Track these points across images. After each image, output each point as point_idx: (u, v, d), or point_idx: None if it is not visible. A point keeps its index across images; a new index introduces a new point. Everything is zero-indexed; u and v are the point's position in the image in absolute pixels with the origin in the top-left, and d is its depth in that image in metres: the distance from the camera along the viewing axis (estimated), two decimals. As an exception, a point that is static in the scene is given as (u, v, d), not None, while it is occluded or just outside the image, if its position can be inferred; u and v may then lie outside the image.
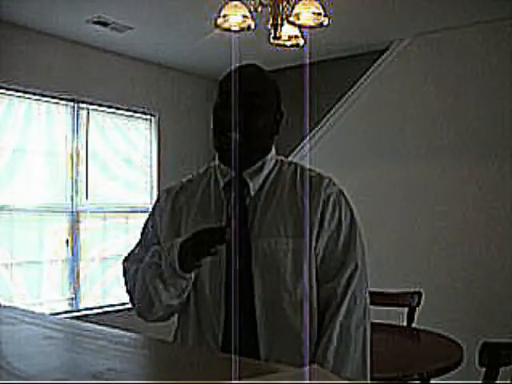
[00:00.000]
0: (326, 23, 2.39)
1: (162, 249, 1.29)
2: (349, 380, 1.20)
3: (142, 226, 1.45)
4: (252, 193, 1.32)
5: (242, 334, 1.23)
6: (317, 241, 1.28)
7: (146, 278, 1.29)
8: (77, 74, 4.14)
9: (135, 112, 4.65)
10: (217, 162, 1.40)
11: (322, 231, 1.28)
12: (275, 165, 1.37)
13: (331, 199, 1.31)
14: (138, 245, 1.44)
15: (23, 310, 1.32)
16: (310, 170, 1.38)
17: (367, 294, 1.30)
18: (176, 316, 1.38)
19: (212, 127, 1.35)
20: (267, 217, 1.28)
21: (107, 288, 4.36)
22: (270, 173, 1.35)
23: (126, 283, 1.40)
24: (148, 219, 1.44)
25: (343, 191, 1.36)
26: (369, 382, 1.25)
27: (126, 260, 1.43)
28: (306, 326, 1.25)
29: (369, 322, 1.30)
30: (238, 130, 1.27)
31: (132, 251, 1.43)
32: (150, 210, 1.46)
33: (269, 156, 1.36)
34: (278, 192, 1.32)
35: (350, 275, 1.27)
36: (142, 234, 1.45)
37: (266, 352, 1.23)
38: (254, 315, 1.24)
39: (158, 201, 1.43)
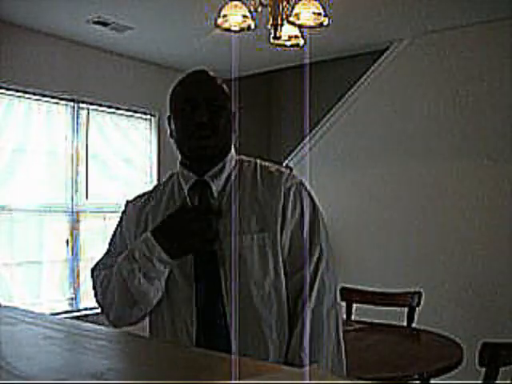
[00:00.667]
0: (325, 23, 2.39)
1: (136, 245, 1.29)
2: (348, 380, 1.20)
3: (110, 236, 1.48)
4: (215, 194, 1.34)
5: (215, 331, 1.27)
6: (281, 233, 1.31)
7: (123, 276, 1.28)
8: (77, 74, 4.14)
9: (135, 112, 4.66)
10: (178, 169, 1.42)
11: (285, 223, 1.31)
12: (235, 164, 1.40)
13: (291, 191, 1.34)
14: (105, 254, 1.46)
15: (23, 310, 1.32)
16: (270, 166, 1.41)
17: (335, 278, 1.33)
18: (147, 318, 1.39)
19: (176, 134, 1.37)
20: (231, 216, 1.31)
21: (107, 288, 4.35)
22: (230, 173, 1.38)
23: (95, 293, 1.43)
24: (116, 229, 1.47)
25: (303, 182, 1.39)
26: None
27: (93, 270, 1.44)
28: (276, 321, 1.28)
29: (339, 305, 1.34)
30: (203, 132, 1.30)
31: (100, 261, 1.45)
32: (119, 219, 1.49)
33: (228, 156, 1.39)
34: (240, 191, 1.35)
35: (317, 262, 1.30)
36: (109, 244, 1.47)
37: (236, 346, 1.25)
38: (225, 311, 1.27)
39: (124, 211, 1.46)
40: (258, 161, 1.44)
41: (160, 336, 1.34)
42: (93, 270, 1.45)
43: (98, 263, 1.45)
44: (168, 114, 1.42)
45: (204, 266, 1.30)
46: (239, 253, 1.28)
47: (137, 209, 1.43)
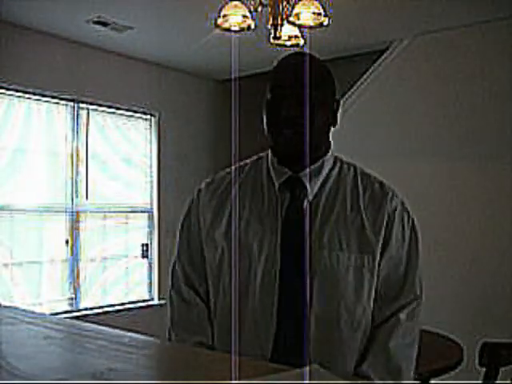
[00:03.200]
0: (326, 23, 2.39)
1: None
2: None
3: (181, 223, 1.34)
4: (310, 197, 1.21)
5: (292, 347, 1.15)
6: (381, 259, 1.19)
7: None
8: (77, 74, 4.14)
9: (135, 112, 4.65)
10: (269, 157, 1.28)
11: (387, 248, 1.20)
12: (334, 165, 1.26)
13: (396, 214, 1.23)
14: (180, 247, 1.33)
15: (23, 310, 1.32)
16: (371, 175, 1.29)
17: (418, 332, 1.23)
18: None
19: (266, 124, 1.22)
20: (328, 226, 1.18)
21: (107, 288, 4.36)
22: (329, 174, 1.24)
23: (170, 303, 1.33)
24: (186, 218, 1.33)
25: (404, 202, 1.29)
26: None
27: (175, 266, 1.33)
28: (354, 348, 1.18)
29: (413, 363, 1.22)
30: (297, 128, 1.16)
31: (179, 256, 1.33)
32: (187, 211, 1.35)
33: (328, 155, 1.25)
34: (338, 198, 1.21)
35: (413, 310, 1.20)
36: (181, 234, 1.34)
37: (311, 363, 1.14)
38: (305, 329, 1.14)
39: (197, 196, 1.32)
40: (358, 166, 1.31)
41: (224, 343, 1.21)
42: (173, 269, 1.33)
43: (178, 258, 1.33)
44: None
45: (291, 278, 1.17)
46: (333, 271, 1.15)
47: (216, 196, 1.27)
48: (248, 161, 1.34)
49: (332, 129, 1.26)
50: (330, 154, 1.26)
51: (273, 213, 1.21)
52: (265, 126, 1.23)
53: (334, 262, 1.16)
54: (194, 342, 1.23)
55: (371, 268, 1.18)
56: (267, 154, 1.30)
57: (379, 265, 1.19)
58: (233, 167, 1.34)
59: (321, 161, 1.24)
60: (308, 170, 1.22)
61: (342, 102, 4.35)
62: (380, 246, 1.19)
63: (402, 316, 1.19)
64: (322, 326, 1.15)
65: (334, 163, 1.27)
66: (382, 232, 1.19)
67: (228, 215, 1.24)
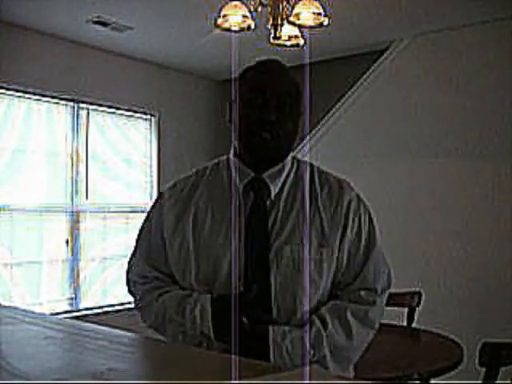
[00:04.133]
0: (326, 23, 2.39)
1: (190, 304, 1.23)
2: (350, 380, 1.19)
3: (140, 227, 1.39)
4: (273, 195, 1.28)
5: (258, 338, 1.20)
6: (339, 249, 1.26)
7: (164, 325, 1.27)
8: (77, 74, 4.14)
9: (135, 112, 4.65)
10: (232, 158, 1.33)
11: (345, 240, 1.26)
12: (292, 165, 1.33)
13: (352, 206, 1.29)
14: (136, 251, 1.39)
15: (23, 310, 1.32)
16: (326, 172, 1.36)
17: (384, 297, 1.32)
18: None
19: (238, 126, 1.28)
20: (289, 223, 1.25)
21: (107, 288, 4.36)
22: (288, 175, 1.31)
23: (134, 297, 1.38)
24: (147, 221, 1.38)
25: (360, 196, 1.34)
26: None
27: (129, 271, 1.39)
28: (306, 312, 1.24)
29: (374, 330, 1.31)
30: (274, 132, 1.23)
31: (133, 259, 1.39)
32: (147, 216, 1.39)
33: (289, 157, 1.32)
34: (298, 196, 1.28)
35: (367, 297, 1.28)
36: (139, 237, 1.39)
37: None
38: (271, 315, 1.22)
39: (158, 202, 1.36)
40: (314, 164, 1.37)
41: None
42: (128, 271, 1.40)
43: (130, 262, 1.39)
44: (233, 96, 1.32)
45: (255, 273, 1.23)
46: (294, 264, 1.22)
47: (179, 199, 1.32)
48: (207, 164, 1.40)
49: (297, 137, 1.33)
50: (289, 156, 1.33)
51: (236, 213, 1.27)
52: (234, 123, 1.29)
53: (295, 256, 1.22)
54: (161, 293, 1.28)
55: (329, 260, 1.25)
56: (227, 159, 1.36)
57: (338, 257, 1.26)
58: (193, 170, 1.39)
59: (281, 163, 1.30)
60: (270, 171, 1.28)
61: (342, 101, 4.35)
62: (338, 239, 1.26)
63: (361, 300, 1.27)
64: (283, 316, 1.22)
65: (292, 163, 1.34)
66: (340, 226, 1.26)
67: (192, 217, 1.29)
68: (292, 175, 1.32)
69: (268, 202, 1.27)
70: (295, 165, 1.34)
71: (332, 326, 1.22)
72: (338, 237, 1.26)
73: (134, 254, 1.40)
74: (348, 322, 1.23)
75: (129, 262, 1.40)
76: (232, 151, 1.35)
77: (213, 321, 1.19)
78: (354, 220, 1.28)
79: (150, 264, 1.34)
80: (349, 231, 1.27)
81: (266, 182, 1.28)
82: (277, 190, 1.28)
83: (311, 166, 1.36)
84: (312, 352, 1.19)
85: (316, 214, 1.26)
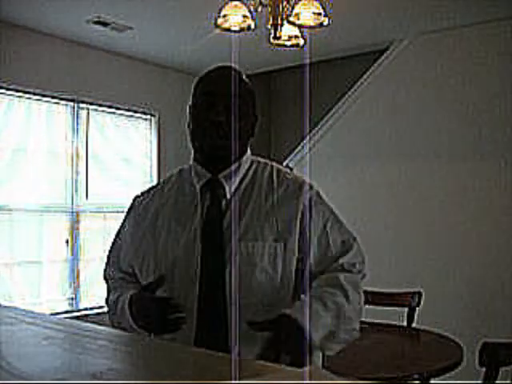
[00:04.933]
0: (326, 23, 2.39)
1: (121, 306, 1.34)
2: None
3: (116, 234, 1.51)
4: (228, 195, 1.32)
5: (214, 329, 1.26)
6: (300, 244, 1.29)
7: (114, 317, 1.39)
8: (77, 74, 4.14)
9: (135, 112, 4.65)
10: (191, 163, 1.40)
11: (306, 235, 1.30)
12: (250, 166, 1.38)
13: (312, 203, 1.33)
14: (110, 252, 1.50)
15: (23, 310, 1.32)
16: (286, 172, 1.40)
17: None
18: None
19: (190, 128, 1.37)
20: (243, 220, 1.29)
21: (107, 288, 4.35)
22: (245, 175, 1.36)
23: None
24: (121, 226, 1.50)
25: (319, 193, 1.38)
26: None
27: (105, 270, 1.52)
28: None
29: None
30: (222, 132, 1.28)
31: (108, 259, 1.51)
32: (123, 218, 1.52)
33: (244, 157, 1.37)
34: (254, 195, 1.33)
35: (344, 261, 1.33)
36: (114, 242, 1.50)
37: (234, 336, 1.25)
38: (226, 317, 1.25)
39: (131, 207, 1.49)
40: (274, 164, 1.41)
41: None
42: (104, 270, 1.52)
43: (107, 263, 1.51)
44: (189, 104, 1.39)
45: (212, 270, 1.28)
46: (248, 260, 1.26)
47: (144, 204, 1.43)
48: (173, 172, 1.48)
49: (251, 139, 1.39)
50: (246, 156, 1.38)
51: (194, 212, 1.33)
52: (190, 131, 1.37)
53: (250, 251, 1.26)
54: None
55: (283, 255, 1.28)
56: (190, 165, 1.42)
57: (303, 250, 1.30)
58: (161, 180, 1.49)
59: (237, 162, 1.35)
60: (226, 171, 1.33)
61: (342, 101, 4.35)
62: (296, 234, 1.29)
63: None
64: (240, 311, 1.25)
65: (251, 164, 1.39)
66: (297, 221, 1.30)
67: (152, 220, 1.38)
68: (249, 175, 1.36)
69: (224, 202, 1.32)
70: (254, 165, 1.39)
71: (331, 290, 1.25)
72: (294, 232, 1.29)
73: (108, 256, 1.52)
74: (344, 286, 1.26)
75: (107, 260, 1.52)
76: (192, 157, 1.41)
77: (131, 313, 1.28)
78: (315, 218, 1.32)
79: (116, 266, 1.47)
80: (310, 228, 1.31)
81: (221, 182, 1.33)
82: (232, 189, 1.33)
83: (271, 166, 1.40)
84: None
85: (271, 210, 1.30)
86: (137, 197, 1.48)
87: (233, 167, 1.34)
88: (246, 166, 1.37)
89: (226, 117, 1.27)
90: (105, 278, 1.52)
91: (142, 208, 1.42)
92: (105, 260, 1.55)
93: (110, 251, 1.50)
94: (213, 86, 1.32)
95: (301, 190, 1.34)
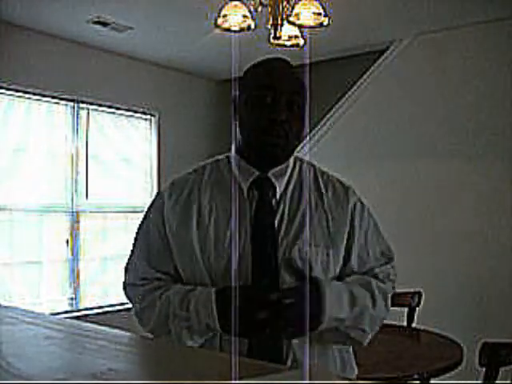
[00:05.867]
0: (325, 23, 2.39)
1: (194, 296, 1.19)
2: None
3: (137, 229, 1.36)
4: (277, 195, 1.27)
5: (266, 343, 1.20)
6: (348, 251, 1.28)
7: (166, 313, 1.22)
8: (77, 74, 4.14)
9: (135, 112, 4.65)
10: (233, 156, 1.31)
11: (353, 242, 1.28)
12: (294, 164, 1.33)
13: (357, 209, 1.31)
14: (133, 253, 1.35)
15: (23, 310, 1.32)
16: (329, 174, 1.36)
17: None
18: None
19: (245, 124, 1.26)
20: (295, 223, 1.24)
21: (107, 288, 4.36)
22: (291, 174, 1.30)
23: (130, 300, 1.34)
24: (144, 222, 1.34)
25: (361, 199, 1.36)
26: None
27: (126, 271, 1.35)
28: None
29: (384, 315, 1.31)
30: (280, 131, 1.21)
31: (130, 261, 1.35)
32: (145, 215, 1.35)
33: (292, 157, 1.32)
34: (302, 196, 1.28)
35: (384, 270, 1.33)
36: (136, 240, 1.35)
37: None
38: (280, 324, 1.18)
39: (158, 200, 1.32)
40: (316, 164, 1.37)
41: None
42: (125, 271, 1.35)
43: (129, 263, 1.35)
44: (237, 92, 1.30)
45: (262, 275, 1.20)
46: (303, 263, 1.21)
47: (180, 197, 1.28)
48: (205, 163, 1.37)
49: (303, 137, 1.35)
50: (293, 156, 1.33)
51: (242, 212, 1.24)
52: (241, 119, 1.27)
53: (304, 257, 1.21)
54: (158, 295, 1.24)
55: (335, 260, 1.25)
56: (227, 156, 1.34)
57: (347, 256, 1.28)
58: (191, 169, 1.36)
59: (286, 162, 1.29)
60: (275, 170, 1.27)
61: (342, 101, 4.35)
62: (345, 239, 1.27)
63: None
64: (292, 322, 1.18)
65: (295, 163, 1.34)
66: (347, 227, 1.28)
67: (196, 215, 1.25)
68: (295, 174, 1.31)
69: (274, 201, 1.26)
70: (298, 164, 1.34)
71: (362, 289, 1.25)
72: (343, 239, 1.27)
73: (131, 257, 1.35)
74: (374, 292, 1.26)
75: (126, 265, 1.36)
76: (233, 148, 1.32)
77: (218, 312, 1.15)
78: (360, 225, 1.30)
79: (150, 265, 1.30)
80: (355, 235, 1.29)
81: (272, 181, 1.27)
82: (282, 188, 1.27)
83: (313, 166, 1.36)
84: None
85: (322, 214, 1.26)
86: (169, 188, 1.32)
87: (282, 166, 1.28)
88: (291, 164, 1.31)
89: (287, 115, 1.21)
90: (132, 279, 1.34)
91: (180, 203, 1.28)
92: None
93: (136, 250, 1.34)
94: (273, 80, 1.23)
95: (347, 194, 1.31)
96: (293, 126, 1.23)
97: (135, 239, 1.36)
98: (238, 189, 1.27)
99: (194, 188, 1.29)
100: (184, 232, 1.25)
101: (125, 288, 1.36)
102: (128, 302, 1.36)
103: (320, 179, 1.32)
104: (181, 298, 1.21)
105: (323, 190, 1.30)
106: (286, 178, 1.29)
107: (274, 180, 1.27)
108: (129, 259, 1.36)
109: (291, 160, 1.32)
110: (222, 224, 1.24)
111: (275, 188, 1.27)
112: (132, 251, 1.36)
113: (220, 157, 1.37)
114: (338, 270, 1.27)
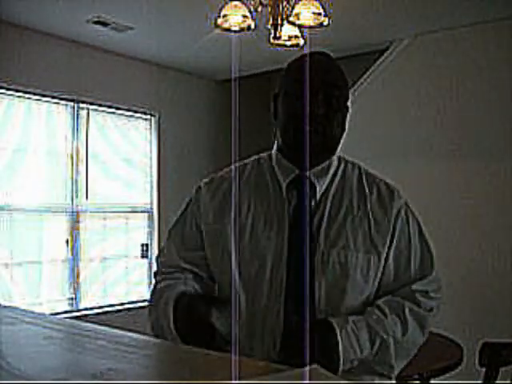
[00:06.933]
0: (325, 23, 2.39)
1: (164, 301, 1.20)
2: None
3: (174, 222, 1.33)
4: (318, 195, 1.22)
5: (298, 348, 1.14)
6: (387, 258, 1.21)
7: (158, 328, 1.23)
8: (77, 74, 4.14)
9: (135, 112, 4.65)
10: (274, 154, 1.28)
11: (393, 248, 1.22)
12: (338, 164, 1.27)
13: (401, 214, 1.25)
14: (167, 242, 1.33)
15: (23, 310, 1.32)
16: (375, 175, 1.30)
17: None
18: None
19: (282, 119, 1.23)
20: (335, 226, 1.19)
21: (107, 288, 4.36)
22: (334, 174, 1.25)
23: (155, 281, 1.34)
24: (182, 215, 1.32)
25: (408, 202, 1.30)
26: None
27: (157, 261, 1.35)
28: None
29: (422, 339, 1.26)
30: (320, 126, 1.17)
31: (162, 251, 1.34)
32: (184, 208, 1.33)
33: (335, 155, 1.26)
34: (345, 198, 1.22)
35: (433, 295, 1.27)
36: (171, 231, 1.33)
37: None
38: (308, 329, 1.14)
39: (196, 195, 1.30)
40: (362, 165, 1.31)
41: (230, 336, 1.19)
42: (157, 260, 1.35)
43: (159, 254, 1.35)
44: (276, 91, 1.27)
45: (298, 276, 1.16)
46: (340, 270, 1.16)
47: (219, 194, 1.26)
48: (247, 161, 1.34)
49: (343, 134, 1.27)
50: (335, 155, 1.28)
51: (280, 211, 1.21)
52: (278, 117, 1.24)
53: (342, 261, 1.16)
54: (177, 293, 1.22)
55: (376, 268, 1.19)
56: (269, 155, 1.31)
57: (384, 265, 1.21)
58: (232, 166, 1.33)
59: (328, 161, 1.24)
60: (316, 169, 1.22)
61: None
62: (387, 245, 1.20)
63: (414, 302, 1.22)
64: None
65: (339, 163, 1.28)
66: (389, 233, 1.21)
67: (233, 214, 1.22)
68: (339, 175, 1.25)
69: (313, 202, 1.21)
70: (342, 164, 1.28)
71: (390, 316, 1.17)
72: (385, 244, 1.20)
73: (164, 248, 1.35)
74: (406, 318, 1.19)
75: (157, 256, 1.37)
76: (275, 147, 1.29)
77: (174, 317, 1.15)
78: (402, 230, 1.24)
79: (179, 255, 1.29)
80: (397, 241, 1.22)
81: (312, 180, 1.22)
82: (323, 189, 1.22)
83: (359, 167, 1.30)
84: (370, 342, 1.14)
85: (364, 217, 1.20)
86: (207, 183, 1.30)
87: (323, 165, 1.23)
88: (335, 164, 1.26)
89: (325, 110, 1.16)
90: (161, 265, 1.34)
91: (219, 199, 1.25)
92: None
93: (171, 238, 1.32)
94: (311, 73, 1.17)
95: (393, 198, 1.25)
96: (331, 122, 1.18)
97: (170, 230, 1.34)
98: (277, 187, 1.23)
99: (233, 184, 1.27)
100: (219, 226, 1.23)
101: (155, 277, 1.35)
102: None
103: (365, 181, 1.26)
104: (159, 295, 1.23)
105: (367, 192, 1.24)
106: (329, 177, 1.23)
107: (314, 179, 1.22)
108: (161, 250, 1.36)
109: (335, 159, 1.26)
110: (260, 223, 1.21)
111: (315, 188, 1.22)
112: (167, 238, 1.35)
113: (262, 155, 1.33)
114: (378, 277, 1.21)
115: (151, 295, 1.30)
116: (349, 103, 1.25)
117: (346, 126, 1.26)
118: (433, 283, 1.28)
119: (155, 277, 1.34)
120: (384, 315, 1.17)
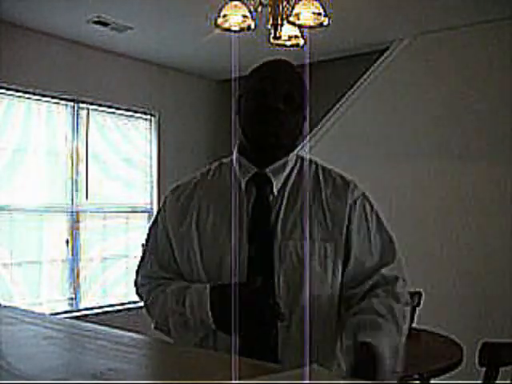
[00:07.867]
0: (326, 23, 2.39)
1: (190, 293, 1.21)
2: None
3: (147, 232, 1.39)
4: (275, 191, 1.27)
5: (262, 338, 1.20)
6: (347, 247, 1.25)
7: (168, 320, 1.24)
8: (77, 74, 4.14)
9: (135, 112, 4.65)
10: (235, 156, 1.33)
11: (352, 237, 1.25)
12: (296, 162, 1.33)
13: (357, 204, 1.29)
14: (144, 254, 1.38)
15: (23, 310, 1.32)
16: (331, 170, 1.35)
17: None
18: None
19: (244, 116, 1.29)
20: (291, 218, 1.24)
21: (107, 288, 4.36)
22: (291, 171, 1.31)
23: (142, 300, 1.37)
24: (153, 227, 1.38)
25: (366, 194, 1.34)
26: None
27: (137, 274, 1.38)
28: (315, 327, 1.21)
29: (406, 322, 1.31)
30: (275, 121, 1.22)
31: (141, 262, 1.39)
32: (154, 219, 1.39)
33: (291, 155, 1.32)
34: (301, 192, 1.28)
35: (386, 286, 1.26)
36: (147, 242, 1.39)
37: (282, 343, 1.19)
38: (277, 311, 1.17)
39: (163, 206, 1.37)
40: (318, 161, 1.37)
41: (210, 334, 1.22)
42: (137, 274, 1.39)
43: (140, 265, 1.39)
44: (239, 93, 1.32)
45: (259, 268, 1.21)
46: (298, 260, 1.21)
47: (182, 199, 1.32)
48: (211, 166, 1.40)
49: (300, 137, 1.34)
50: (292, 153, 1.33)
51: (240, 208, 1.26)
52: (240, 116, 1.30)
53: (299, 251, 1.22)
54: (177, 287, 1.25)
55: (333, 255, 1.24)
56: (230, 159, 1.36)
57: (346, 253, 1.25)
58: (198, 172, 1.39)
59: (284, 158, 1.30)
60: (273, 166, 1.28)
61: (342, 101, 4.35)
62: (344, 234, 1.25)
63: (379, 291, 1.23)
64: (287, 310, 1.19)
65: (296, 161, 1.34)
66: (345, 222, 1.26)
67: (195, 215, 1.29)
68: (295, 171, 1.31)
69: (271, 197, 1.27)
70: (299, 162, 1.34)
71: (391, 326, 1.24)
72: (342, 233, 1.25)
73: (142, 258, 1.39)
74: (397, 318, 1.26)
75: (137, 267, 1.40)
76: (236, 149, 1.34)
77: (211, 308, 1.16)
78: (360, 220, 1.27)
79: (158, 265, 1.34)
80: (355, 231, 1.26)
81: (269, 177, 1.27)
82: (279, 185, 1.28)
83: (315, 162, 1.36)
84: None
85: (319, 209, 1.26)
86: (173, 191, 1.36)
87: (280, 162, 1.29)
88: (292, 161, 1.32)
89: (285, 106, 1.22)
90: (141, 278, 1.38)
91: (181, 203, 1.32)
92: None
93: (146, 251, 1.38)
94: (275, 72, 1.26)
95: (348, 188, 1.30)
96: (289, 119, 1.24)
97: (145, 242, 1.40)
98: (237, 186, 1.29)
99: (196, 189, 1.33)
100: (183, 231, 1.29)
101: (136, 288, 1.39)
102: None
103: (321, 175, 1.32)
104: (178, 294, 1.24)
105: (322, 185, 1.30)
106: (285, 174, 1.29)
107: (271, 176, 1.27)
108: (140, 261, 1.40)
109: (292, 158, 1.32)
110: (220, 221, 1.26)
111: (272, 184, 1.27)
112: (143, 252, 1.40)
113: (224, 159, 1.39)
114: (339, 266, 1.25)
115: (148, 296, 1.33)
116: (306, 113, 1.31)
117: (304, 132, 1.33)
118: (398, 271, 1.29)
119: (138, 289, 1.38)
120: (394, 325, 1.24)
